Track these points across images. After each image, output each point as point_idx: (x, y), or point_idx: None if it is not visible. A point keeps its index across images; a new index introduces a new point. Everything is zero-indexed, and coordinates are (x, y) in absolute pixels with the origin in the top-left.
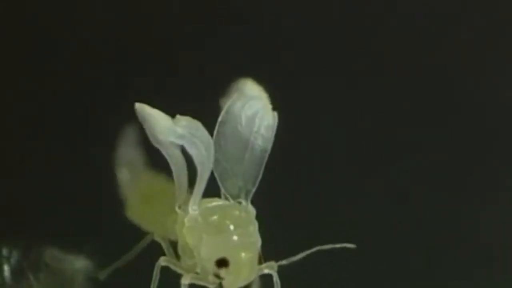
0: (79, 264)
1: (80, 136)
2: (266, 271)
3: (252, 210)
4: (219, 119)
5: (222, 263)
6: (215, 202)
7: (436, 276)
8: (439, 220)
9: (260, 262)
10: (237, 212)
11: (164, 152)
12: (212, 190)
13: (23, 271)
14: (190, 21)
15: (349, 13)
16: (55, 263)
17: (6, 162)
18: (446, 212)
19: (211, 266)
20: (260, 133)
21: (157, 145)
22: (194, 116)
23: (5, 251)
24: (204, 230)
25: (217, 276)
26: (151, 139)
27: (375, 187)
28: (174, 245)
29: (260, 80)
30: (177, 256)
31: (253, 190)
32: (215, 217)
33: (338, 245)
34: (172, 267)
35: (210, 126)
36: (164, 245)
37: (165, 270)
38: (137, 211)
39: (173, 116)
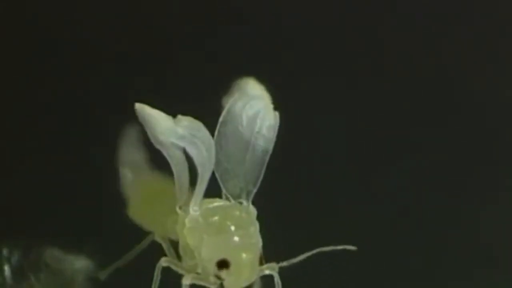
0: (79, 264)
1: (80, 136)
2: (267, 272)
3: (253, 211)
4: (220, 119)
5: (223, 264)
6: (216, 203)
7: (436, 276)
8: (439, 220)
9: (261, 263)
10: (238, 213)
11: (165, 153)
12: (213, 191)
13: (23, 271)
14: (190, 21)
15: (349, 13)
16: (55, 263)
17: (6, 162)
18: (446, 212)
19: (212, 267)
20: (262, 133)
21: (158, 146)
22: (195, 116)
23: (5, 251)
24: (205, 231)
25: (218, 277)
26: (152, 139)
27: (375, 187)
28: (175, 245)
29: (260, 80)
30: (178, 257)
31: (254, 190)
32: (216, 217)
33: (339, 247)
34: (173, 267)
35: (210, 126)
36: (165, 246)
37: (166, 270)
38: (138, 211)
39: (173, 116)
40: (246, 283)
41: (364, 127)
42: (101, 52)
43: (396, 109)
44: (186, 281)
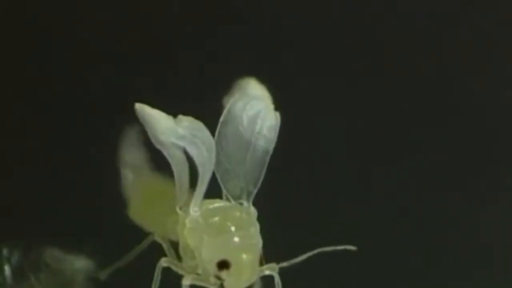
0: (79, 264)
1: (80, 136)
2: (267, 272)
3: (253, 211)
4: (221, 119)
5: (223, 264)
6: (216, 203)
7: (436, 276)
8: (439, 220)
9: (261, 264)
10: (238, 214)
11: (165, 153)
12: (213, 192)
13: (23, 271)
14: (190, 21)
15: (349, 13)
16: (55, 263)
17: (6, 162)
18: (446, 212)
19: (212, 268)
20: (262, 133)
21: (158, 146)
22: (195, 117)
23: (5, 251)
24: (205, 231)
25: (218, 277)
26: (152, 139)
27: (375, 187)
28: (175, 245)
29: (260, 80)
30: (179, 257)
31: (255, 191)
32: (216, 218)
33: (339, 247)
34: (173, 268)
35: (211, 126)
36: (165, 246)
37: (166, 270)
38: (139, 212)
39: (174, 116)
40: (247, 284)
41: (364, 127)
42: (101, 52)
43: (396, 109)
44: (186, 281)
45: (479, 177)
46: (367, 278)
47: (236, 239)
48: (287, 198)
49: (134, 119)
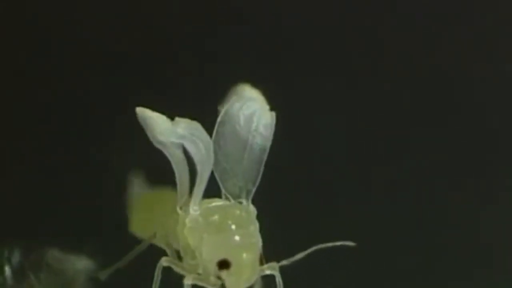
0: (80, 264)
1: (80, 136)
2: (267, 272)
3: (253, 210)
4: (218, 119)
5: (223, 264)
6: (216, 202)
7: (436, 276)
8: (439, 220)
9: (261, 263)
10: (237, 212)
11: (166, 152)
12: (212, 191)
13: (24, 271)
14: (190, 21)
15: (349, 13)
16: (56, 263)
17: (6, 162)
18: (446, 212)
19: (213, 267)
20: (259, 131)
21: (158, 146)
22: (194, 116)
23: (6, 252)
24: (205, 230)
25: (219, 277)
26: (152, 140)
27: (375, 187)
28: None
29: (260, 80)
30: (179, 257)
31: (254, 189)
32: (215, 217)
33: (337, 243)
34: (174, 267)
35: (210, 126)
36: (166, 246)
37: (166, 270)
38: (140, 219)
39: (172, 117)
40: (247, 284)
41: (364, 127)
42: (101, 52)
43: (396, 109)
44: (188, 281)
45: (479, 177)
46: (367, 278)
47: (236, 237)
48: (287, 197)
49: (134, 119)
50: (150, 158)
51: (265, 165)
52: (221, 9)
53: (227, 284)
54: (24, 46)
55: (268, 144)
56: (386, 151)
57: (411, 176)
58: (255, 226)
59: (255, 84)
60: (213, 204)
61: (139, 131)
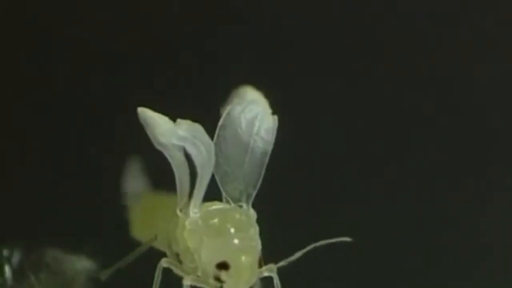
0: (80, 264)
1: (80, 136)
2: (266, 273)
3: (252, 214)
4: (220, 122)
5: (222, 266)
6: (216, 206)
7: (436, 276)
8: (439, 220)
9: (260, 265)
10: (237, 215)
11: (166, 154)
12: (213, 194)
13: (24, 271)
14: (190, 21)
15: (349, 13)
16: (56, 263)
17: (6, 162)
18: (446, 212)
19: (212, 269)
20: (260, 135)
21: (159, 147)
22: (195, 117)
23: (6, 252)
24: (205, 233)
25: (218, 279)
26: (153, 141)
27: (375, 187)
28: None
29: (260, 80)
30: (179, 260)
31: (254, 193)
32: (215, 220)
33: (334, 240)
34: (174, 269)
35: (211, 126)
36: (166, 247)
37: (167, 271)
38: (140, 223)
39: (173, 118)
40: (246, 286)
41: (364, 127)
42: (101, 52)
43: (396, 109)
44: (186, 282)
45: (479, 177)
46: (367, 278)
47: (235, 241)
48: (287, 200)
49: (134, 119)
50: (150, 159)
51: (265, 167)
52: (221, 9)
53: (226, 286)
54: (24, 46)
55: (270, 148)
56: (386, 151)
57: (411, 176)
58: (255, 230)
59: (255, 84)
60: (213, 207)
61: (139, 131)
